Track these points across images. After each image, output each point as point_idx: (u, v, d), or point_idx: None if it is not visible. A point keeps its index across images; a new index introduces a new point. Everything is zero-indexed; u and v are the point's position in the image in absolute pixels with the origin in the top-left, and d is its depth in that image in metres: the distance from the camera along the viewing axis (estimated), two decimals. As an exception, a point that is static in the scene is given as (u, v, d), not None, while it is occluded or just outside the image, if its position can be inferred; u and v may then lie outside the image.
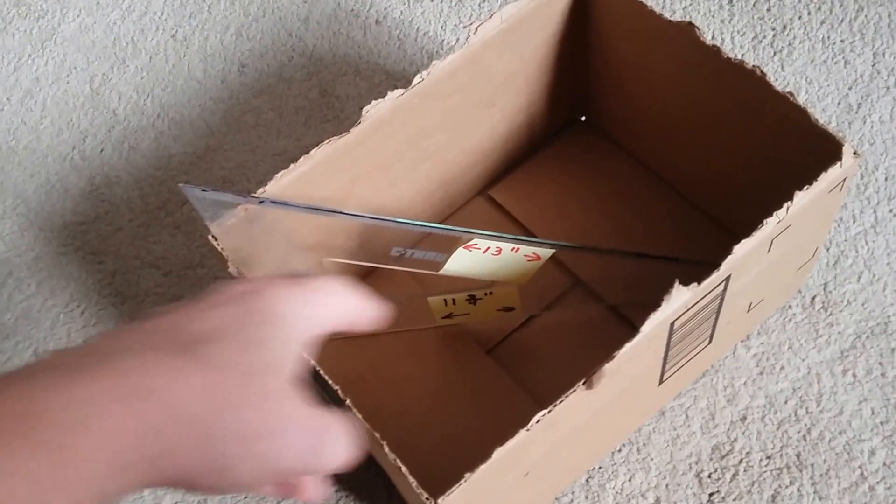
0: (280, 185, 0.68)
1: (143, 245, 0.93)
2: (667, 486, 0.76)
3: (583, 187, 0.89)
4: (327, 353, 0.80)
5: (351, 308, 0.51)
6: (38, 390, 0.36)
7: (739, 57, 0.67)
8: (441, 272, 0.71)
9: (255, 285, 0.45)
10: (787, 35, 0.99)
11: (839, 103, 0.94)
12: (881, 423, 0.77)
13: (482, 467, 0.55)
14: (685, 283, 0.58)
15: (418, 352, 0.82)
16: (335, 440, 0.44)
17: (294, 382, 0.43)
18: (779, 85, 0.67)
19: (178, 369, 0.39)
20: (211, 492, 0.43)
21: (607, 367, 0.57)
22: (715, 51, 0.69)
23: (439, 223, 0.88)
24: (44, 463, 0.34)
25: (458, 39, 1.02)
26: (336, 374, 0.60)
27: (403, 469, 0.56)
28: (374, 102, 0.71)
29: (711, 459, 0.77)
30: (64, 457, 0.35)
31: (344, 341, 0.82)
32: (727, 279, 0.62)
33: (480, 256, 0.70)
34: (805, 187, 0.61)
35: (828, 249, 0.85)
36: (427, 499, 0.55)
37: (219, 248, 0.65)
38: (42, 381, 0.36)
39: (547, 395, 0.77)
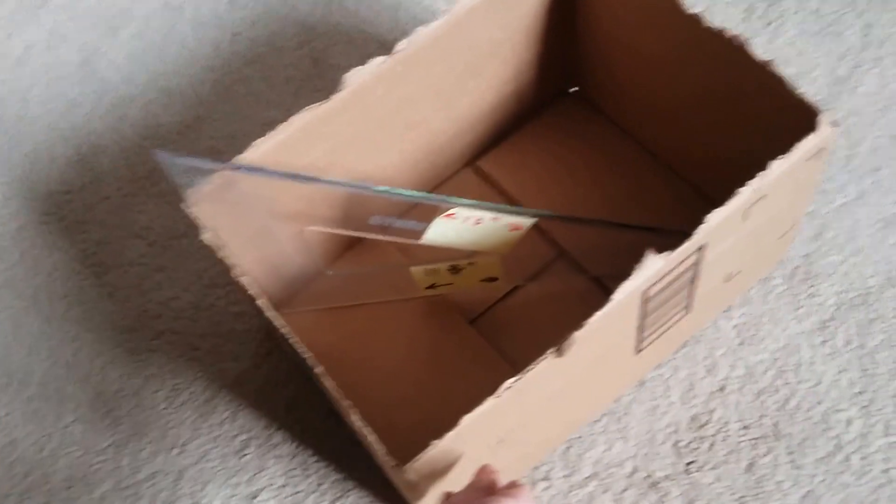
0: (259, 152, 0.68)
1: (128, 214, 0.93)
2: (645, 455, 0.76)
3: (572, 158, 0.89)
4: (310, 322, 0.81)
5: None
6: None
7: (731, 28, 0.67)
8: (422, 241, 0.71)
9: None
10: (780, 7, 0.98)
11: (829, 75, 0.93)
12: (858, 393, 0.77)
13: (449, 434, 0.55)
14: None
15: (402, 322, 0.82)
16: None
17: None
18: (770, 56, 0.66)
19: None
20: None
21: (577, 334, 0.57)
22: (696, 19, 0.69)
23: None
24: None
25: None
26: (319, 342, 0.61)
27: (370, 436, 0.56)
28: (355, 69, 0.70)
29: (689, 429, 0.77)
30: None
31: (327, 312, 0.82)
32: (701, 248, 0.62)
33: (461, 226, 0.70)
34: (780, 156, 0.61)
35: (811, 221, 0.85)
36: (394, 465, 0.55)
37: (194, 215, 0.65)
38: None
39: (528, 365, 0.78)
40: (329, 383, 0.57)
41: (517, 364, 0.77)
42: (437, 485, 0.62)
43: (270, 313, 0.60)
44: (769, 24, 0.97)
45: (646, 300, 0.62)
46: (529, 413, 0.64)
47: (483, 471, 0.58)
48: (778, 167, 0.61)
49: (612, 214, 0.84)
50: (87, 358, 0.86)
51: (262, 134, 0.68)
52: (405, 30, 1.00)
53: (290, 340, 0.59)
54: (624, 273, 0.59)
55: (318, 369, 0.58)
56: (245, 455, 0.80)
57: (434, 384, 0.78)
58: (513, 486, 0.56)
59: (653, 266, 0.58)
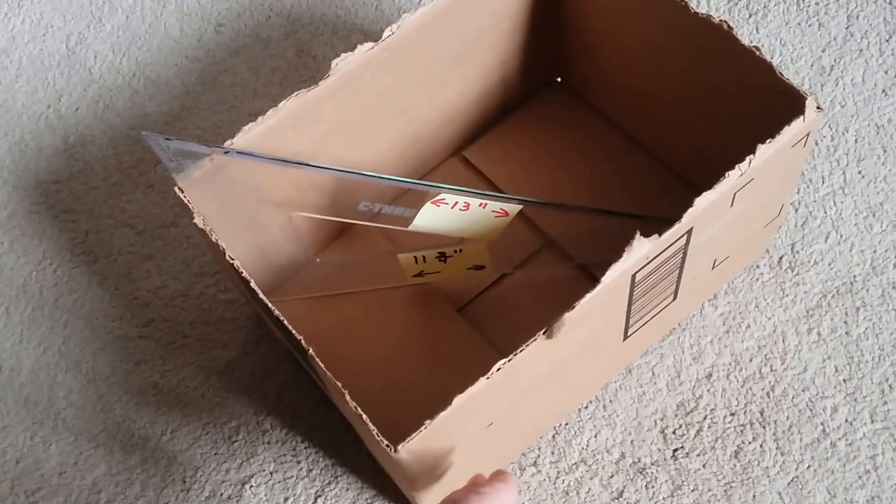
0: (247, 138, 0.68)
1: (116, 204, 0.93)
2: (632, 441, 0.77)
3: (558, 149, 0.89)
4: (300, 311, 0.81)
5: None
6: None
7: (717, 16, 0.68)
8: (410, 228, 0.71)
9: None
10: (763, -2, 0.99)
11: (812, 65, 0.94)
12: (844, 381, 0.78)
13: (442, 414, 0.56)
14: None
15: (390, 309, 0.82)
16: None
17: None
18: (749, 45, 0.67)
19: None
20: None
21: (567, 316, 0.57)
22: (682, 6, 0.69)
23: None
24: None
25: None
26: (308, 330, 0.61)
27: (364, 416, 0.56)
28: (343, 56, 0.71)
29: (676, 416, 0.78)
30: None
31: (316, 300, 0.82)
32: (689, 232, 0.62)
33: (448, 212, 0.70)
34: (767, 141, 0.61)
35: (796, 210, 0.85)
36: (387, 445, 0.56)
37: (185, 200, 0.65)
38: None
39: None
40: (321, 365, 0.58)
41: (504, 352, 0.78)
42: (429, 470, 0.63)
43: (262, 296, 0.60)
44: (752, 14, 0.98)
45: (634, 284, 0.62)
46: (520, 396, 0.64)
47: (472, 479, 0.60)
48: (765, 151, 0.61)
49: (597, 203, 0.84)
50: (78, 345, 0.86)
51: (248, 123, 0.68)
52: (390, 20, 1.01)
53: (283, 322, 0.60)
54: (610, 260, 0.59)
55: (311, 351, 0.58)
56: (235, 441, 0.80)
57: (422, 371, 0.79)
58: (497, 477, 0.57)
59: (641, 249, 0.59)
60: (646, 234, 0.59)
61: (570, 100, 0.92)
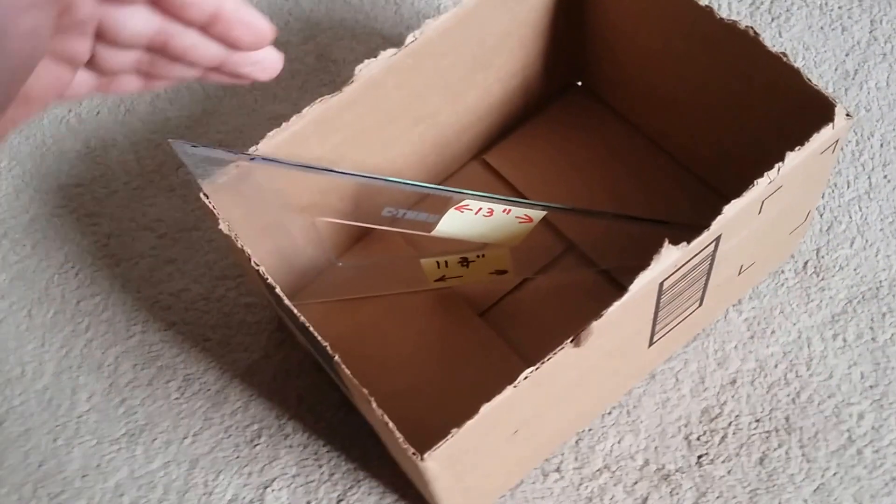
0: (271, 144, 0.68)
1: (138, 207, 0.93)
2: (656, 448, 0.77)
3: (578, 152, 0.89)
4: (320, 314, 0.81)
5: None
6: None
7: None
8: (433, 233, 0.71)
9: None
10: (786, 1, 0.99)
11: (836, 69, 0.93)
12: (870, 387, 0.77)
13: (469, 423, 0.56)
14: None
15: (411, 314, 0.82)
16: None
17: None
18: (776, 50, 0.67)
19: None
20: None
21: (595, 324, 0.57)
22: (708, 11, 0.69)
23: (433, 186, 0.88)
24: None
25: (455, 2, 1.02)
26: (328, 333, 0.61)
27: (390, 424, 0.56)
28: (366, 62, 0.71)
29: (701, 422, 0.77)
30: None
31: (337, 304, 0.82)
32: (717, 240, 0.62)
33: (472, 218, 0.70)
34: (796, 148, 0.61)
35: (821, 215, 0.85)
36: (413, 454, 0.56)
37: (210, 206, 0.65)
38: None
39: (537, 358, 0.78)
40: (347, 373, 0.58)
41: (527, 356, 0.78)
42: (453, 476, 0.62)
43: (287, 302, 0.60)
44: (775, 18, 0.98)
45: (661, 292, 0.62)
46: (545, 403, 0.64)
47: None
48: (793, 159, 0.61)
49: (618, 208, 0.84)
50: (100, 349, 0.86)
51: (269, 127, 0.68)
52: (409, 25, 1.01)
53: (309, 328, 0.59)
54: (632, 266, 0.59)
55: (337, 358, 0.58)
56: (257, 445, 0.80)
57: (444, 376, 0.79)
58: None
59: (670, 257, 0.59)
60: (671, 240, 0.59)
61: (592, 103, 0.92)
